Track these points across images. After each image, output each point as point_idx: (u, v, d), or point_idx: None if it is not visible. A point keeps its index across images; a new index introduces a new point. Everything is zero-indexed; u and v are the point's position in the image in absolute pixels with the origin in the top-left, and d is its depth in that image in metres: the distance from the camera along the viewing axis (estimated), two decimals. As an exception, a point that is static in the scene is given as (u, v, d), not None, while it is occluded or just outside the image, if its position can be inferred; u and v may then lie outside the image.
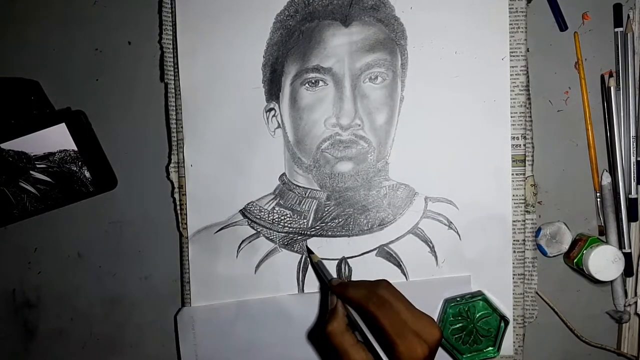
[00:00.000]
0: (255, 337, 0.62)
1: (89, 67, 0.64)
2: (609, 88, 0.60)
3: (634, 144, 0.61)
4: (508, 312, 0.61)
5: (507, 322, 0.59)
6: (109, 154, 0.64)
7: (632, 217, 0.61)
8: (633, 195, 0.61)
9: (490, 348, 0.60)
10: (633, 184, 0.61)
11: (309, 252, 0.61)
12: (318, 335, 0.62)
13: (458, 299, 0.60)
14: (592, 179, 0.62)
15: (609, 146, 0.61)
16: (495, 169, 0.61)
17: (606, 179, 0.61)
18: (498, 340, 0.60)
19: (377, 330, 0.48)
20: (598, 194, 0.62)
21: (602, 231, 0.62)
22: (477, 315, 0.59)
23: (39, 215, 0.64)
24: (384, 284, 0.51)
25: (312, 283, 0.62)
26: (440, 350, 0.61)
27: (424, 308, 0.49)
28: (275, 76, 0.62)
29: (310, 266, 0.62)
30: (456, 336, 0.59)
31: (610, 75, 0.61)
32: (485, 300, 0.59)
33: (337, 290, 0.53)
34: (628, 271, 0.61)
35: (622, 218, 0.61)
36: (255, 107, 0.62)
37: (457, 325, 0.59)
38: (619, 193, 0.60)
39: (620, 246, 0.61)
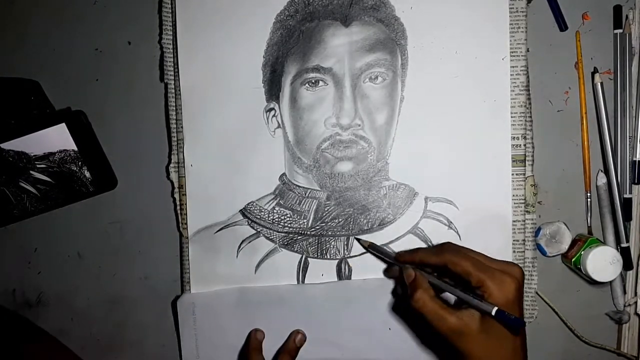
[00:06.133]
0: (256, 323, 0.62)
1: (89, 67, 0.64)
2: (596, 85, 0.60)
3: (631, 144, 0.61)
4: None
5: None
6: (109, 154, 0.64)
7: (626, 217, 0.61)
8: (627, 195, 0.61)
9: None
10: (628, 183, 0.61)
11: (358, 240, 0.61)
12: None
13: None
14: (588, 180, 0.62)
15: (602, 145, 0.61)
16: (495, 169, 0.61)
17: (601, 179, 0.61)
18: None
19: (461, 281, 0.49)
20: (589, 194, 0.62)
21: (591, 231, 0.62)
22: None
23: (39, 215, 0.64)
24: (449, 243, 0.54)
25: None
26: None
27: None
28: (275, 76, 0.62)
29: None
30: None
31: (596, 71, 0.61)
32: None
33: (407, 258, 0.55)
34: (627, 265, 0.61)
35: (618, 218, 0.61)
36: (255, 107, 0.62)
37: None
38: (614, 193, 0.61)
39: (618, 243, 0.61)
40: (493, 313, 0.46)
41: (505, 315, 0.46)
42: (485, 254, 0.52)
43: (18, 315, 0.65)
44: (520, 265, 0.61)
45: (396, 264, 0.57)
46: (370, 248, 0.61)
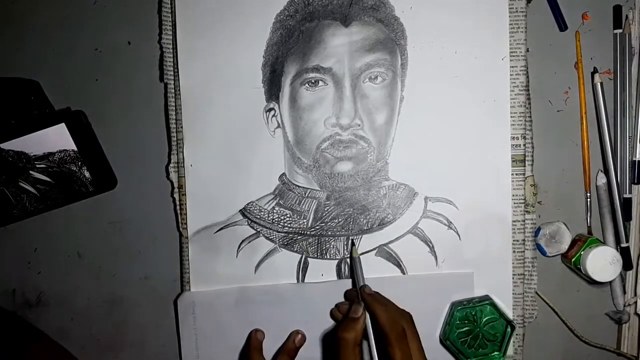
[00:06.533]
0: (256, 323, 0.62)
1: (89, 67, 0.64)
2: (595, 85, 0.60)
3: (631, 144, 0.61)
4: (509, 312, 0.61)
5: (513, 328, 0.59)
6: (109, 154, 0.64)
7: (626, 217, 0.61)
8: (627, 195, 0.61)
9: (495, 353, 0.59)
10: (628, 183, 0.61)
11: (352, 244, 0.61)
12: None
13: (465, 303, 0.60)
14: (587, 180, 0.62)
15: (602, 145, 0.61)
16: (495, 169, 0.61)
17: (601, 179, 0.61)
18: (504, 346, 0.59)
19: (385, 356, 0.51)
20: (588, 194, 0.62)
21: (591, 231, 0.62)
22: (484, 320, 0.59)
23: (39, 215, 0.64)
24: (408, 317, 0.54)
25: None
26: (445, 353, 0.61)
27: (425, 304, 0.52)
28: (275, 76, 0.62)
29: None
30: (462, 340, 0.59)
31: (596, 71, 0.61)
32: (493, 305, 0.59)
33: (367, 301, 0.55)
34: (627, 265, 0.61)
35: (618, 218, 0.61)
36: (255, 107, 0.62)
37: (464, 329, 0.59)
38: (614, 193, 0.61)
39: (618, 243, 0.61)
40: None
41: None
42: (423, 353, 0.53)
43: (18, 316, 0.65)
44: (520, 265, 0.61)
45: (355, 293, 0.58)
46: (356, 260, 0.60)
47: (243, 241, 0.62)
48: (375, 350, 0.52)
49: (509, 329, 0.59)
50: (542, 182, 0.62)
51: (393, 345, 0.51)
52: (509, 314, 0.61)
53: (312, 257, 0.62)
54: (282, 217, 0.62)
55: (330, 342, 0.52)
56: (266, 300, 0.62)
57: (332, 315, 0.61)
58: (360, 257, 0.61)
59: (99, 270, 0.65)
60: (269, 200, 0.62)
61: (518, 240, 0.61)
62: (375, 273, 0.61)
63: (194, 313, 0.62)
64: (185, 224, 0.62)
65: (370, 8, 0.61)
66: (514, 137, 0.61)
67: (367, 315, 0.54)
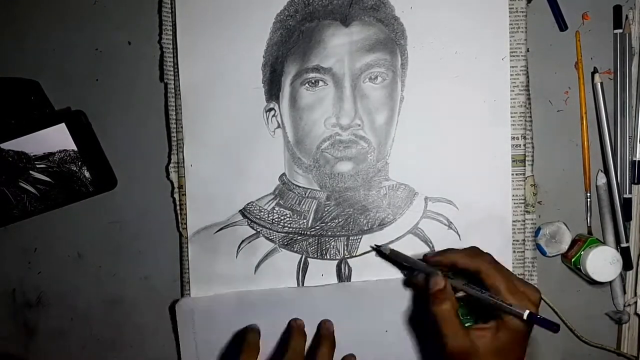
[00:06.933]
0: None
1: (89, 67, 0.64)
2: (595, 85, 0.60)
3: (631, 144, 0.61)
4: None
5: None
6: (109, 154, 0.64)
7: (626, 217, 0.61)
8: (627, 195, 0.61)
9: None
10: (628, 183, 0.61)
11: (377, 247, 0.61)
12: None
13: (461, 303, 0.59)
14: (587, 180, 0.62)
15: (602, 145, 0.61)
16: (495, 169, 0.61)
17: (601, 179, 0.61)
18: None
19: (486, 289, 0.51)
20: (588, 194, 0.62)
21: (591, 231, 0.62)
22: None
23: (39, 215, 0.64)
24: (478, 249, 0.55)
25: (312, 283, 0.62)
26: None
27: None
28: (275, 76, 0.62)
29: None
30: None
31: (596, 71, 0.61)
32: None
33: (438, 259, 0.56)
34: (627, 265, 0.61)
35: (618, 218, 0.61)
36: (255, 107, 0.62)
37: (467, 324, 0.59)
38: (614, 193, 0.61)
39: (618, 243, 0.61)
40: (525, 317, 0.48)
41: (539, 319, 0.49)
42: (511, 272, 0.53)
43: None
44: (520, 265, 0.61)
45: (421, 270, 0.57)
46: (392, 255, 0.60)
47: (243, 241, 0.62)
48: (484, 294, 0.51)
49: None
50: (542, 182, 0.62)
51: (491, 275, 0.51)
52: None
53: (312, 258, 0.62)
54: (282, 217, 0.62)
55: (424, 326, 0.52)
56: (266, 304, 0.62)
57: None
58: (364, 254, 0.61)
59: (99, 270, 0.65)
60: (269, 201, 0.62)
61: (518, 240, 0.61)
62: (376, 273, 0.61)
63: (194, 319, 0.62)
64: (185, 224, 0.62)
65: (371, 8, 0.61)
66: (514, 137, 0.61)
67: (449, 283, 0.53)
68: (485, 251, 0.55)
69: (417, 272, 0.58)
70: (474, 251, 0.55)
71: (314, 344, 0.61)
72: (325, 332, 0.60)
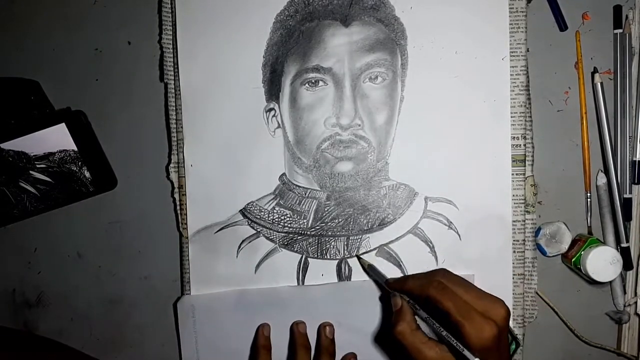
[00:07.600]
0: (256, 326, 0.62)
1: (89, 67, 0.64)
2: (596, 85, 0.60)
3: (631, 144, 0.61)
4: (515, 329, 0.61)
5: (518, 345, 0.58)
6: (109, 154, 0.64)
7: (626, 217, 0.61)
8: (627, 195, 0.61)
9: None
10: (628, 183, 0.61)
11: (359, 258, 0.61)
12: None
13: None
14: (587, 180, 0.62)
15: (602, 145, 0.61)
16: (495, 169, 0.61)
17: (601, 179, 0.61)
18: None
19: (443, 317, 0.48)
20: (589, 194, 0.62)
21: (591, 231, 0.62)
22: None
23: (39, 215, 0.64)
24: (441, 271, 0.52)
25: (312, 283, 0.62)
26: None
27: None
28: (275, 76, 0.62)
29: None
30: None
31: (596, 71, 0.61)
32: None
33: (396, 286, 0.54)
34: (627, 265, 0.61)
35: (618, 218, 0.61)
36: (255, 107, 0.62)
37: None
38: (614, 193, 0.61)
39: (618, 243, 0.61)
40: None
41: None
42: (478, 288, 0.50)
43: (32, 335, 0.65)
44: (520, 265, 0.61)
45: (386, 290, 0.57)
46: (369, 269, 0.60)
47: (243, 241, 0.62)
48: (433, 323, 0.49)
49: (513, 345, 0.57)
50: (542, 182, 0.62)
51: (438, 300, 0.48)
52: (516, 330, 0.60)
53: (313, 257, 0.62)
54: (282, 217, 0.62)
55: (392, 344, 0.50)
56: (266, 303, 0.62)
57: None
58: (364, 258, 0.61)
59: (99, 270, 0.65)
60: (269, 201, 0.62)
61: (518, 240, 0.61)
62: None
63: (194, 317, 0.62)
64: (186, 224, 0.62)
65: (371, 8, 0.61)
66: (514, 137, 0.61)
67: (405, 302, 0.52)
68: (440, 269, 0.52)
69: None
70: (426, 277, 0.52)
71: (315, 355, 0.61)
72: (325, 343, 0.61)
